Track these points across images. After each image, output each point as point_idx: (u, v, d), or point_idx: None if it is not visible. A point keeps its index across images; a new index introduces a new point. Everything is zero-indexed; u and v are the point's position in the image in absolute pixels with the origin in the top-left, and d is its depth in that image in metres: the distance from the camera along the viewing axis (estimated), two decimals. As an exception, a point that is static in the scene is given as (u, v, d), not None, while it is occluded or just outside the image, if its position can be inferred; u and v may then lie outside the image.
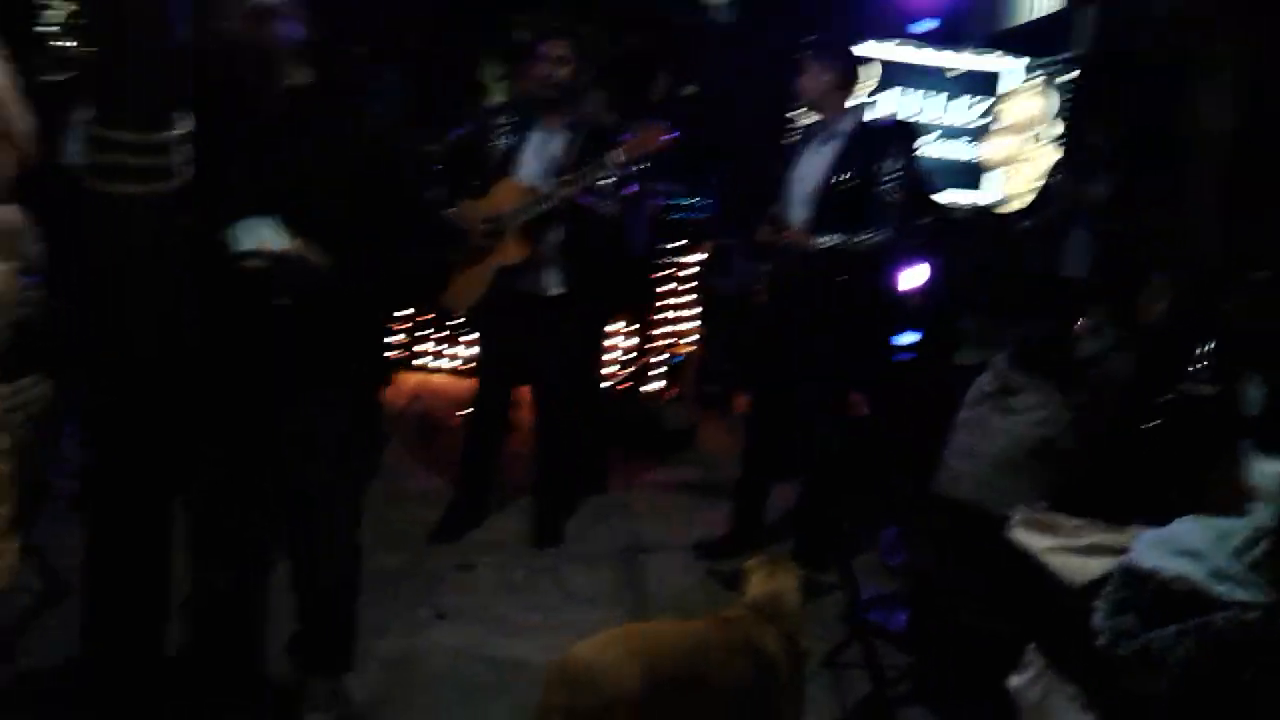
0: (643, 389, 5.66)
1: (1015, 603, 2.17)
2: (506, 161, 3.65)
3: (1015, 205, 5.77)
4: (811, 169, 3.61)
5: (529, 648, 3.09)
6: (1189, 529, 1.79)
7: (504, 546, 3.77)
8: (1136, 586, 1.73)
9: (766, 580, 2.43)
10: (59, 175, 2.03)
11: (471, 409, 3.96)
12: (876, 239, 3.48)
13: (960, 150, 6.19)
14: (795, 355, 3.66)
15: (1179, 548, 1.75)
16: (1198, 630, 1.62)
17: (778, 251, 3.68)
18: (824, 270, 3.53)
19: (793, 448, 3.87)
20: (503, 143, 3.66)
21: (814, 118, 3.72)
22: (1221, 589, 1.69)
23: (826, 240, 3.48)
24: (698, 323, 5.78)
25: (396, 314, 5.85)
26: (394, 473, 4.30)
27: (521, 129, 3.67)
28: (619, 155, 3.43)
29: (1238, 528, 1.82)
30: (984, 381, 3.07)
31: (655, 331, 5.71)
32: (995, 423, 2.95)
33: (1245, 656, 1.57)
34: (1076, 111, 5.82)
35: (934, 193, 5.39)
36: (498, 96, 7.45)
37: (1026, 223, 4.99)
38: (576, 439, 4.12)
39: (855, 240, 3.47)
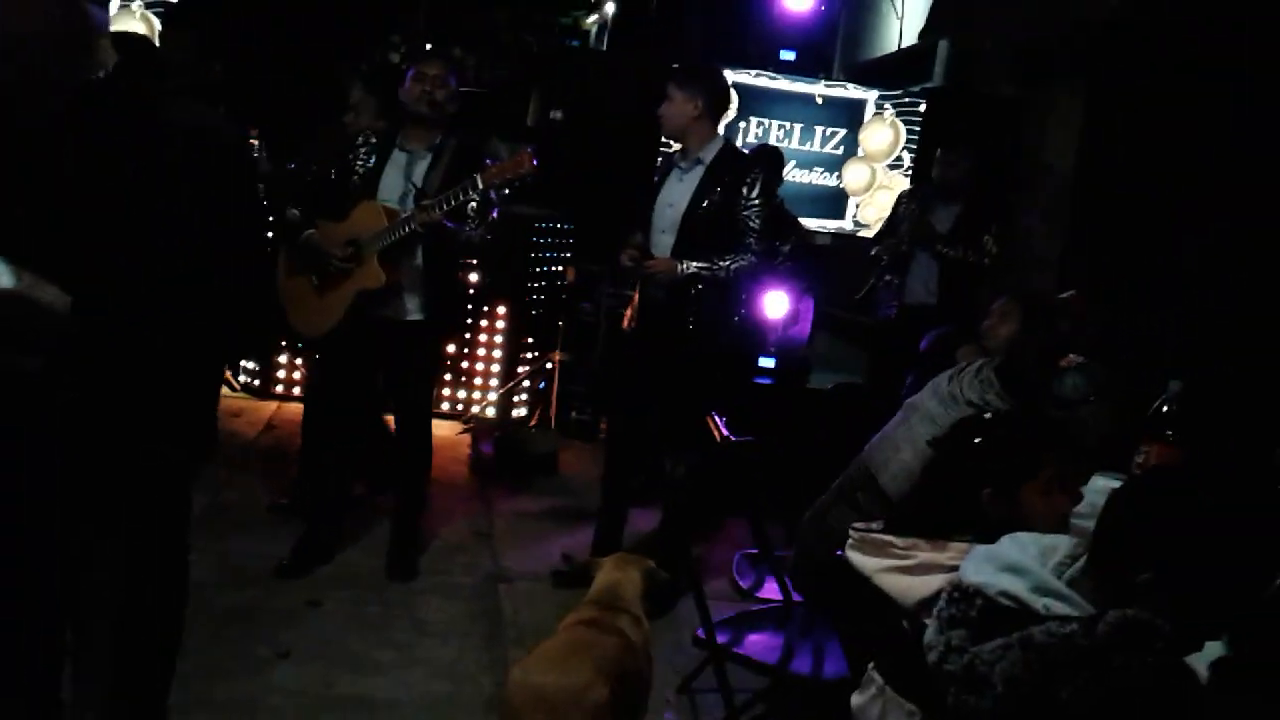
0: (508, 414, 5.59)
1: (855, 622, 2.19)
2: (367, 183, 3.55)
3: (873, 232, 5.94)
4: (675, 195, 3.63)
5: (379, 685, 2.99)
6: (1014, 545, 1.83)
7: (356, 581, 3.63)
8: (964, 602, 1.76)
9: (609, 573, 2.51)
10: None
11: (320, 438, 3.81)
12: (739, 265, 3.52)
13: (819, 178, 6.35)
14: (656, 381, 3.66)
15: (1004, 563, 1.79)
16: (1019, 644, 1.66)
17: (641, 277, 3.69)
18: (687, 296, 3.55)
19: (652, 473, 3.86)
20: (363, 164, 3.57)
21: (677, 145, 3.75)
22: (1043, 603, 1.73)
23: (690, 266, 3.50)
24: (560, 348, 5.76)
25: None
26: (241, 505, 4.12)
27: (383, 150, 3.58)
28: (483, 179, 3.38)
29: (1060, 543, 1.88)
30: (964, 380, 2.87)
31: (521, 356, 5.66)
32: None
33: (1063, 670, 1.61)
34: (924, 143, 6.04)
35: (796, 219, 5.51)
36: (365, 117, 7.31)
37: (874, 250, 5.14)
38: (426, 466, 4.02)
39: (718, 266, 3.50)
